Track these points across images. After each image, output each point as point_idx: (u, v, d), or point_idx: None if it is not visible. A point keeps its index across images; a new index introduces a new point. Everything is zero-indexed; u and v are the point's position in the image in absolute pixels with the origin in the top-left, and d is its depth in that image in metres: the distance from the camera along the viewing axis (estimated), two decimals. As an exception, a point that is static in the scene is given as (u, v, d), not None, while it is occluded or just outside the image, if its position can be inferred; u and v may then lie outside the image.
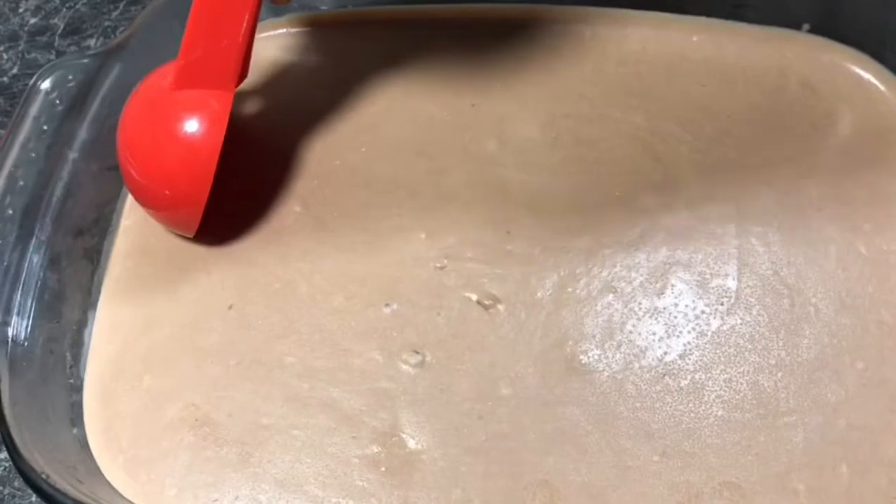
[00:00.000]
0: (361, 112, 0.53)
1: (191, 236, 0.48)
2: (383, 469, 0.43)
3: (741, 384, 0.43)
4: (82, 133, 0.49)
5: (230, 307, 0.47)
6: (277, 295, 0.47)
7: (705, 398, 0.43)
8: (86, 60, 0.50)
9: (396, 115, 0.52)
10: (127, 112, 0.47)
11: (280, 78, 0.55)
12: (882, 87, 0.50)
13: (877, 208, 0.47)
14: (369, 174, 0.51)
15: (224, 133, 0.44)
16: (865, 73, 0.50)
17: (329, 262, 0.48)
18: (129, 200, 0.51)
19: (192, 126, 0.44)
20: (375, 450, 0.43)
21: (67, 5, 0.49)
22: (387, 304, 0.47)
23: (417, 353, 0.45)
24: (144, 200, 0.47)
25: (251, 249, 0.49)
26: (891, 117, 0.49)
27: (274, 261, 0.48)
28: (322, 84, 0.55)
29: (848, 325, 0.44)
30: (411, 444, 0.43)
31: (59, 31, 0.49)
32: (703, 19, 0.54)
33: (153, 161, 0.45)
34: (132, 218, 0.51)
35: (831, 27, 0.51)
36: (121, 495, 0.42)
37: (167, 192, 0.45)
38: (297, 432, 0.44)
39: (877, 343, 0.44)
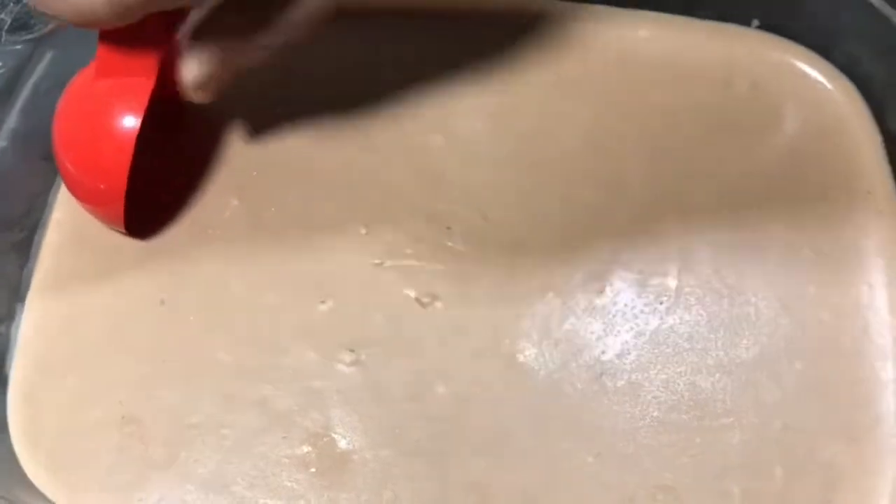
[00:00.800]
0: (304, 102, 0.52)
1: (122, 230, 0.47)
2: (313, 470, 0.42)
3: (678, 385, 0.43)
4: (12, 121, 0.47)
5: (161, 303, 0.46)
6: (210, 291, 0.46)
7: (642, 399, 0.43)
8: (18, 47, 0.49)
9: (338, 107, 0.51)
10: (62, 100, 0.45)
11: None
12: (829, 86, 0.49)
13: (820, 208, 0.46)
14: (310, 166, 0.50)
15: (139, 122, 0.42)
16: (813, 70, 0.50)
17: (264, 257, 0.47)
18: (62, 192, 0.50)
19: (109, 116, 0.42)
20: (306, 450, 0.42)
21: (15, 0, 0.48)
22: (322, 302, 0.45)
23: (352, 351, 0.44)
24: (73, 192, 0.45)
25: (186, 243, 0.47)
26: (836, 116, 0.48)
27: (208, 256, 0.47)
28: (265, 75, 0.53)
29: (787, 326, 0.44)
30: (343, 444, 0.42)
31: (6, 27, 0.48)
32: (653, 14, 0.53)
33: (77, 151, 0.44)
34: (64, 210, 0.49)
35: (780, 23, 0.50)
36: (42, 495, 0.41)
37: (88, 182, 0.44)
38: (227, 432, 0.43)
39: (816, 344, 0.43)
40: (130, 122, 0.42)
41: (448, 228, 0.47)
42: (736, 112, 0.49)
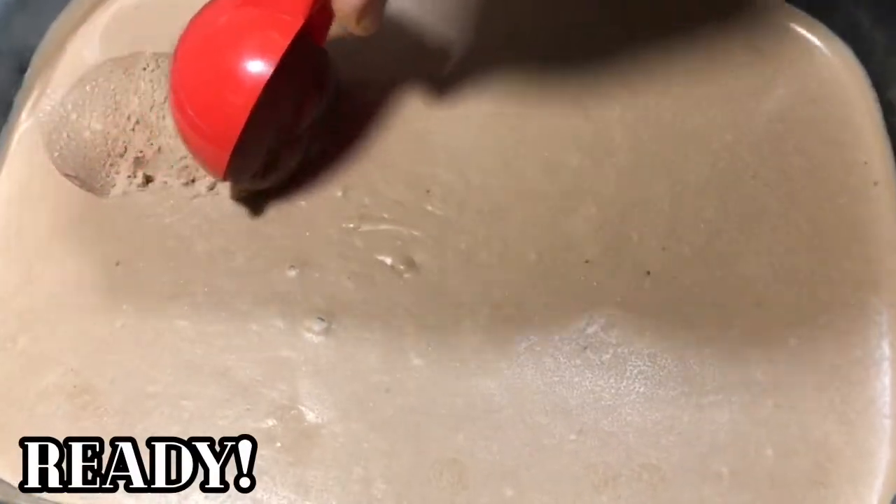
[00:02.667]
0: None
1: (220, 179, 0.43)
2: (279, 445, 0.39)
3: (666, 360, 0.41)
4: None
5: (118, 263, 0.43)
6: (171, 252, 0.43)
7: (627, 374, 0.40)
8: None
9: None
10: (189, 26, 0.41)
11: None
12: (827, 52, 0.47)
13: (816, 178, 0.44)
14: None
15: (272, 67, 0.37)
16: (812, 36, 0.47)
17: (231, 218, 0.44)
18: (15, 141, 0.46)
19: (241, 53, 0.37)
20: (271, 423, 0.40)
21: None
22: (292, 267, 0.43)
23: (322, 319, 0.42)
24: (179, 127, 0.41)
25: (146, 200, 0.44)
26: (834, 84, 0.46)
27: (170, 215, 0.44)
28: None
29: (781, 299, 0.42)
30: (311, 417, 0.40)
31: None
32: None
33: (193, 84, 0.39)
34: (16, 162, 0.46)
35: (782, -14, 0.48)
36: (-14, 469, 0.38)
37: (199, 121, 0.39)
38: (186, 402, 0.40)
39: (811, 319, 0.41)
40: (262, 66, 0.37)
41: (427, 192, 0.45)
42: (731, 77, 0.47)
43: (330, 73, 0.44)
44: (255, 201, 0.44)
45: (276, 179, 0.44)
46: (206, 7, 0.40)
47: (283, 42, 0.37)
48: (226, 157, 0.38)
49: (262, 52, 0.37)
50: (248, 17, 0.38)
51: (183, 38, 0.40)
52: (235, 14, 0.39)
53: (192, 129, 0.40)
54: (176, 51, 0.40)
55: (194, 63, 0.39)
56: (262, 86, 0.37)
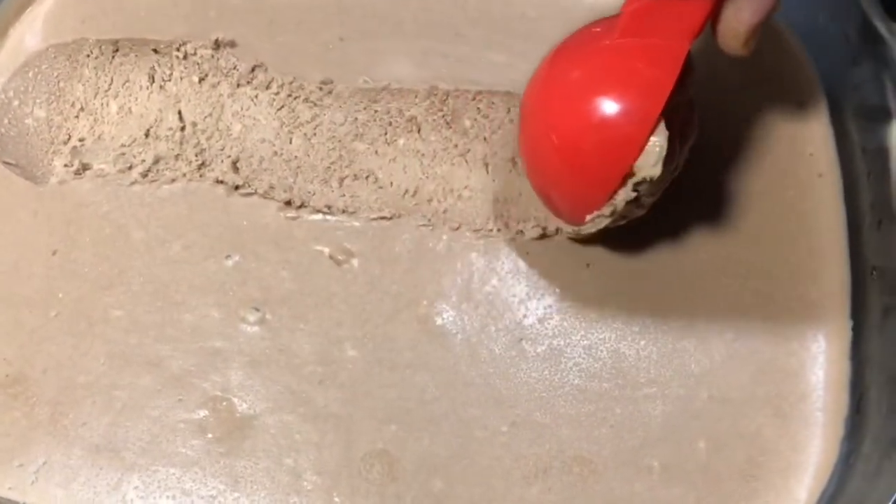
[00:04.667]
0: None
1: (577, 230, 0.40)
2: (210, 436, 0.39)
3: (601, 352, 0.41)
4: None
5: (54, 252, 0.43)
6: (108, 240, 0.43)
7: (562, 366, 0.40)
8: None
9: (259, 51, 0.47)
10: (550, 59, 0.39)
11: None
12: (776, 40, 0.46)
13: (761, 168, 0.44)
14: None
15: (661, 106, 0.34)
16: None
17: (168, 205, 0.44)
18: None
19: (614, 89, 0.35)
20: (203, 414, 0.39)
21: None
22: (228, 256, 0.42)
23: (258, 310, 0.41)
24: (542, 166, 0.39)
25: (84, 188, 0.44)
26: (779, 72, 0.45)
27: (107, 203, 0.44)
28: None
29: (720, 292, 0.41)
30: (243, 408, 0.40)
31: None
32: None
33: (561, 128, 0.37)
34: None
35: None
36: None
37: (574, 160, 0.37)
38: (119, 393, 0.40)
39: (749, 312, 0.41)
40: (646, 99, 0.34)
41: (370, 179, 0.44)
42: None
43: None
44: (193, 188, 0.44)
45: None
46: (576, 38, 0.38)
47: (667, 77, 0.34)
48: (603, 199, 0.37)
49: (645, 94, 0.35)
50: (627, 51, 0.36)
51: (549, 75, 0.38)
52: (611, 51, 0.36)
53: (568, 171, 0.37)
54: (541, 85, 0.38)
55: (571, 103, 0.37)
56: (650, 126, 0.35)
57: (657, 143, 0.35)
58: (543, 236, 0.42)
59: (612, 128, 0.35)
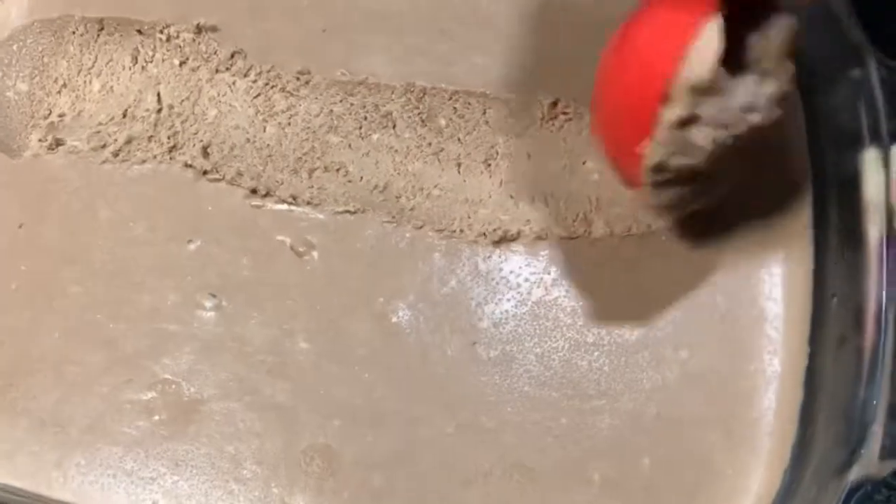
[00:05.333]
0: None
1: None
2: (156, 418, 0.39)
3: (553, 360, 0.40)
4: None
5: (20, 226, 0.43)
6: (75, 217, 0.43)
7: (513, 372, 0.40)
8: None
9: (240, 37, 0.47)
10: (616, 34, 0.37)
11: None
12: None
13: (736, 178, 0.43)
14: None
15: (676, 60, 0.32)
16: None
17: (138, 187, 0.44)
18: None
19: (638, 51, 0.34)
20: (151, 396, 0.40)
21: None
22: (190, 240, 0.43)
23: (214, 296, 0.41)
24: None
25: (56, 163, 0.44)
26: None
27: (78, 180, 0.44)
28: None
29: (679, 309, 0.41)
30: (190, 393, 0.40)
31: None
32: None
33: (605, 93, 0.37)
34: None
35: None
36: None
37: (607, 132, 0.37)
38: (70, 368, 0.40)
39: (706, 331, 0.41)
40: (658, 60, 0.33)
41: (341, 172, 0.44)
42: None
43: None
44: (163, 172, 0.44)
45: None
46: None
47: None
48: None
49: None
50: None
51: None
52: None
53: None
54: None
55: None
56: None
57: (707, 47, 0.32)
58: (504, 240, 0.42)
59: (649, 47, 0.34)
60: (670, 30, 0.34)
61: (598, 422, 0.39)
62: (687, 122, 0.34)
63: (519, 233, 0.42)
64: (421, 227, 0.43)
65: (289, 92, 0.46)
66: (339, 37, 0.46)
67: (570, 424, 0.39)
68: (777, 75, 0.35)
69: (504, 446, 0.39)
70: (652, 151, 0.34)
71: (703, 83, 0.33)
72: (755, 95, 0.35)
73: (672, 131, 0.34)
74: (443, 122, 0.45)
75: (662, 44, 0.34)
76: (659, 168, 0.35)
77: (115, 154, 0.44)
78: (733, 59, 0.33)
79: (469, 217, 0.43)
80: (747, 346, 0.40)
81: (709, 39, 0.32)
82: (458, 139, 0.45)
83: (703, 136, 0.34)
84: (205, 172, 0.44)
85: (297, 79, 0.46)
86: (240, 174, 0.44)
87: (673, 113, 0.33)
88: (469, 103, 0.45)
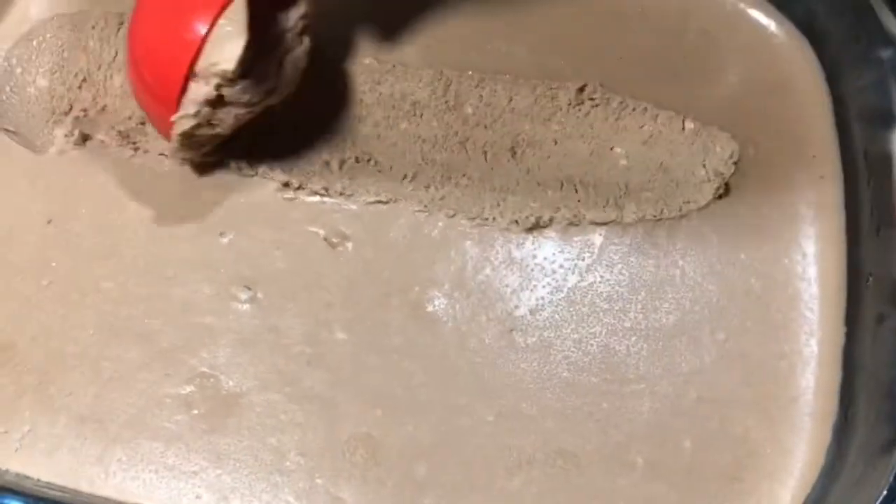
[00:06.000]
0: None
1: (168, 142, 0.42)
2: (196, 412, 0.39)
3: (591, 346, 0.40)
4: None
5: (49, 222, 0.43)
6: (104, 212, 0.43)
7: (551, 358, 0.40)
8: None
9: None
10: None
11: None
12: (782, 42, 0.46)
13: (762, 169, 0.43)
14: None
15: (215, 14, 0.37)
16: (768, 22, 0.46)
17: (167, 180, 0.43)
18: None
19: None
20: (189, 390, 0.39)
21: None
22: (222, 233, 0.42)
23: (249, 288, 0.41)
24: (135, 88, 0.42)
25: (83, 159, 0.44)
26: (787, 74, 0.45)
27: (105, 175, 0.44)
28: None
29: (714, 293, 0.41)
30: (230, 386, 0.40)
31: None
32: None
33: (142, 31, 0.40)
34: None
35: (740, -30, 0.47)
36: None
37: (142, 74, 0.40)
38: (106, 364, 0.40)
39: (742, 313, 0.41)
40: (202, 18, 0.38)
41: (371, 163, 0.44)
42: (682, 61, 0.46)
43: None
44: (193, 164, 0.44)
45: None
46: None
47: None
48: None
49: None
50: None
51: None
52: None
53: (143, 87, 0.40)
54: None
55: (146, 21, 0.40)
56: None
57: (233, 41, 0.37)
58: (538, 227, 0.42)
59: (178, 30, 0.38)
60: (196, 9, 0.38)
61: (638, 406, 0.39)
62: (213, 102, 0.39)
63: (551, 219, 0.42)
64: (453, 216, 0.43)
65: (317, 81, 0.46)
66: (366, 25, 0.46)
67: (611, 409, 0.39)
68: (296, 54, 0.41)
69: (546, 432, 0.39)
70: (179, 124, 0.39)
71: (228, 74, 0.38)
72: (276, 77, 0.40)
73: (199, 108, 0.39)
74: (469, 109, 0.45)
75: (187, 26, 0.38)
76: (187, 135, 0.40)
77: (143, 149, 0.44)
78: (256, 40, 0.38)
79: (499, 205, 0.43)
80: (783, 327, 0.41)
81: (233, 32, 0.37)
82: (485, 126, 0.45)
83: (226, 114, 0.39)
84: (239, 167, 0.44)
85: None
86: (271, 167, 0.44)
87: (199, 94, 0.38)
88: (495, 90, 0.45)
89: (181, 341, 0.40)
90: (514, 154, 0.44)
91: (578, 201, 0.43)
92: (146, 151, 0.44)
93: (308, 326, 0.41)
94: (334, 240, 0.42)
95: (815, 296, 0.41)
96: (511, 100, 0.45)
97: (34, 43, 0.47)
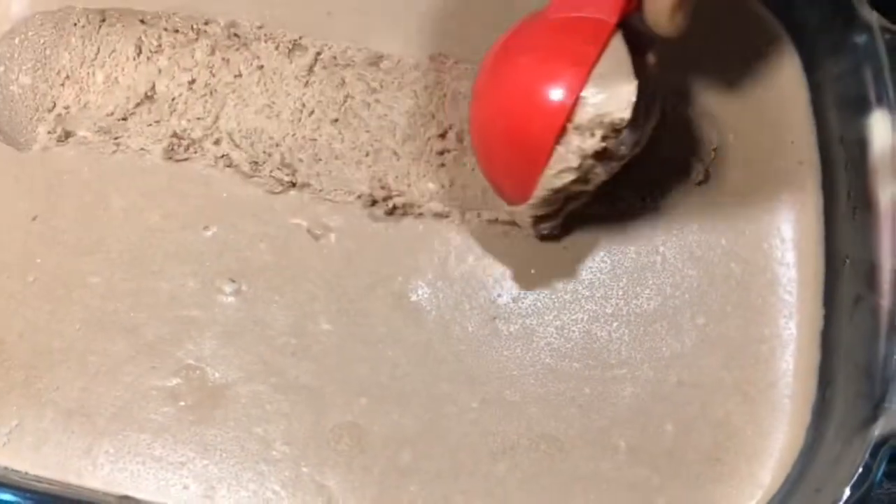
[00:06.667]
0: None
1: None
2: (182, 404, 0.39)
3: (573, 332, 0.41)
4: None
5: (34, 218, 0.43)
6: (88, 208, 0.43)
7: (534, 345, 0.41)
8: None
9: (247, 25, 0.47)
10: (498, 43, 0.39)
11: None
12: (760, 26, 0.46)
13: (741, 154, 0.44)
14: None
15: (583, 81, 0.35)
16: (747, 10, 0.46)
17: (150, 174, 0.44)
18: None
19: (542, 66, 0.35)
20: (176, 382, 0.40)
21: None
22: (206, 227, 0.43)
23: (234, 281, 0.42)
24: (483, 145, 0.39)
25: (66, 155, 0.44)
26: (762, 59, 0.45)
27: (89, 171, 0.44)
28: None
29: (694, 278, 0.42)
30: (216, 377, 0.40)
31: None
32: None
33: (498, 101, 0.37)
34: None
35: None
36: None
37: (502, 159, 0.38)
38: (93, 358, 0.40)
39: (721, 298, 0.41)
40: (568, 77, 0.35)
41: (357, 163, 0.44)
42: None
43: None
44: (176, 162, 0.44)
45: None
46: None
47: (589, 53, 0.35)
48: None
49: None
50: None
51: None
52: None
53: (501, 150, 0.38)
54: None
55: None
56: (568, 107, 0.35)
57: (623, 87, 0.35)
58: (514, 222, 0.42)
59: (544, 96, 0.35)
60: (568, 57, 0.35)
61: (620, 390, 0.40)
62: (598, 155, 0.36)
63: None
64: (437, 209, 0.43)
65: (296, 78, 0.46)
66: (346, 19, 0.46)
67: (593, 394, 0.40)
68: (655, 101, 0.38)
69: (529, 418, 0.39)
70: (554, 179, 0.36)
71: (623, 123, 0.35)
72: (643, 127, 0.38)
73: (581, 161, 0.36)
74: (450, 104, 0.45)
75: (560, 74, 0.35)
76: (556, 191, 0.37)
77: (126, 144, 0.44)
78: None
79: (478, 198, 0.43)
80: (763, 310, 0.41)
81: (619, 78, 0.35)
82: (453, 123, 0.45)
83: (602, 168, 0.37)
84: (222, 162, 0.44)
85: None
86: (255, 162, 0.44)
87: (586, 146, 0.35)
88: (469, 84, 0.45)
89: (167, 334, 0.40)
90: None
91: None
92: (128, 147, 0.44)
93: (293, 318, 0.41)
94: (317, 232, 0.43)
95: (794, 279, 0.41)
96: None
97: (16, 41, 0.47)
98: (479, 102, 0.39)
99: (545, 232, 0.41)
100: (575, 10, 0.36)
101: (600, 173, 0.37)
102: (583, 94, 0.35)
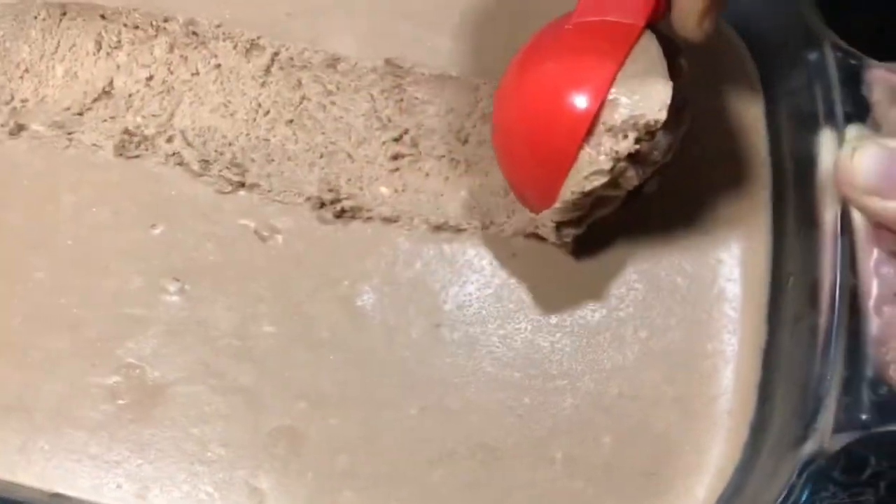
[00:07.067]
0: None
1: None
2: (121, 402, 0.39)
3: (516, 341, 0.41)
4: None
5: (-18, 213, 0.43)
6: (39, 202, 0.43)
7: (476, 353, 0.40)
8: None
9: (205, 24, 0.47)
10: (522, 49, 0.39)
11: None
12: (720, 39, 0.46)
13: (692, 168, 0.44)
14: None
15: (609, 81, 0.34)
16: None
17: (100, 171, 0.44)
18: None
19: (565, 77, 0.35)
20: (115, 380, 0.40)
21: None
22: (154, 225, 0.43)
23: (178, 280, 0.41)
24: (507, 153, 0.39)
25: (19, 149, 0.44)
26: (720, 72, 0.45)
27: (41, 163, 0.44)
28: None
29: (640, 291, 0.42)
30: (155, 377, 0.40)
31: None
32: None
33: (523, 104, 0.37)
34: None
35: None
36: None
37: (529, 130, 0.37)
38: (34, 353, 0.40)
39: (666, 312, 0.41)
40: (593, 84, 0.35)
41: (301, 159, 0.44)
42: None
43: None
44: (127, 159, 0.44)
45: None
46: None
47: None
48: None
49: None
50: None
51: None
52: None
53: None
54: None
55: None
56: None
57: (657, 88, 0.34)
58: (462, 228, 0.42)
59: (569, 96, 0.35)
60: (595, 57, 0.35)
61: (560, 401, 0.40)
62: (631, 157, 0.35)
63: (486, 221, 0.43)
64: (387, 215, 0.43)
65: (253, 78, 0.46)
66: (303, 21, 0.46)
67: (533, 404, 0.40)
68: (686, 107, 0.37)
69: (468, 427, 0.39)
70: (585, 181, 0.36)
71: (658, 125, 0.34)
72: (674, 132, 0.37)
73: (614, 164, 0.35)
74: (406, 108, 0.45)
75: (586, 75, 0.35)
76: (586, 195, 0.36)
77: (79, 139, 0.44)
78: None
79: (430, 203, 0.43)
80: (707, 325, 0.41)
81: (657, 76, 0.34)
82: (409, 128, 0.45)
83: (634, 172, 0.36)
84: (173, 160, 0.44)
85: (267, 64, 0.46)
86: (205, 160, 0.44)
87: (620, 147, 0.35)
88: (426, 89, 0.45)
89: (109, 332, 0.40)
90: (440, 157, 0.44)
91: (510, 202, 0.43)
92: (81, 142, 0.44)
93: (236, 319, 0.41)
94: (265, 233, 0.43)
95: (739, 295, 0.41)
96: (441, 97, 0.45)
97: (-25, 33, 0.47)
98: (503, 107, 0.39)
99: (567, 239, 0.40)
100: (601, 13, 0.36)
101: (632, 177, 0.36)
102: (616, 94, 0.34)
